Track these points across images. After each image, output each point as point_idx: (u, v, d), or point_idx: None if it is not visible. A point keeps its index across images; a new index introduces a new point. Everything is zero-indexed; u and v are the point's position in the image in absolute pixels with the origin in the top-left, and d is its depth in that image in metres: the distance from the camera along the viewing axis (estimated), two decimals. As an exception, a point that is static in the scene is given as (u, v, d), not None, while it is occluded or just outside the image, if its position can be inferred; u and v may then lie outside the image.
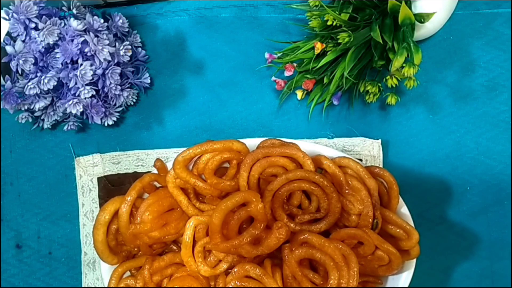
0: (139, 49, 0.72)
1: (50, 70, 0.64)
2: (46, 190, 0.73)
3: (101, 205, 0.71)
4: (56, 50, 0.64)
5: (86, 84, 0.64)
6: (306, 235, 0.59)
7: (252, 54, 0.72)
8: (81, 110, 0.66)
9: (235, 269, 0.59)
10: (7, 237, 0.73)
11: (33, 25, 0.63)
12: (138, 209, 0.62)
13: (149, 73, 0.72)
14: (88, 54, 0.63)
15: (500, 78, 0.70)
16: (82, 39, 0.63)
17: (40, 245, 0.72)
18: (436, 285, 0.69)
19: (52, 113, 0.69)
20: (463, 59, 0.71)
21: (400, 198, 0.63)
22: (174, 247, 0.66)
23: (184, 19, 0.73)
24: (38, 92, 0.64)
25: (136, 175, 0.71)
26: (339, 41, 0.62)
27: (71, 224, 0.72)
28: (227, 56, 0.72)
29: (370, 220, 0.61)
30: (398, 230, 0.61)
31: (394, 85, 0.65)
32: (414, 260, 0.62)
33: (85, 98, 0.65)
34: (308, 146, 0.65)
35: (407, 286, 0.62)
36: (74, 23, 0.62)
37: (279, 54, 0.69)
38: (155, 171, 0.65)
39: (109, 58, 0.64)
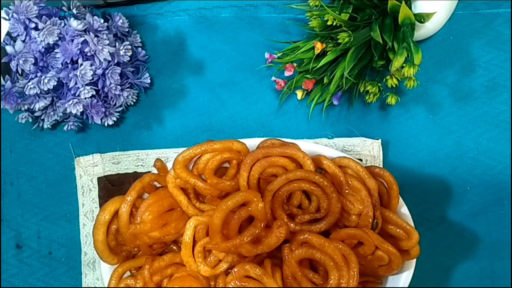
0: (139, 49, 0.72)
1: (50, 70, 0.64)
2: (46, 190, 0.73)
3: (101, 205, 0.71)
4: (56, 50, 0.64)
5: (86, 84, 0.64)
6: (306, 235, 0.59)
7: (252, 54, 0.72)
8: (81, 110, 0.66)
9: (235, 269, 0.59)
10: (7, 237, 0.73)
11: (33, 25, 0.63)
12: (138, 209, 0.62)
13: (149, 73, 0.72)
14: (88, 54, 0.63)
15: (500, 78, 0.70)
16: (82, 39, 0.63)
17: (40, 245, 0.72)
18: (436, 285, 0.69)
19: (52, 113, 0.69)
20: (463, 59, 0.71)
21: (400, 198, 0.63)
22: (174, 247, 0.66)
23: (184, 19, 0.73)
24: (38, 92, 0.64)
25: (136, 175, 0.71)
26: (339, 41, 0.62)
27: (71, 224, 0.72)
28: (227, 56, 0.72)
29: (370, 220, 0.61)
30: (398, 230, 0.61)
31: (394, 85, 0.65)
32: (414, 260, 0.62)
33: (85, 98, 0.65)
34: (308, 146, 0.65)
35: (407, 286, 0.62)
36: (74, 23, 0.62)
37: (279, 54, 0.69)
38: (155, 171, 0.65)
39: (109, 58, 0.64)
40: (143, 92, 0.73)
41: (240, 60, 0.72)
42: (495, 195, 0.70)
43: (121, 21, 0.69)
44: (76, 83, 0.64)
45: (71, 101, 0.65)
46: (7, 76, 0.64)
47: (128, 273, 0.65)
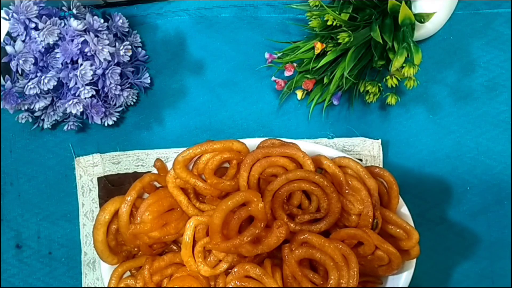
0: (139, 49, 0.72)
1: (50, 70, 0.64)
2: (46, 190, 0.73)
3: (101, 205, 0.71)
4: (56, 50, 0.64)
5: (86, 84, 0.64)
6: (306, 235, 0.59)
7: (252, 54, 0.72)
8: (81, 110, 0.66)
9: (235, 269, 0.59)
10: (7, 237, 0.73)
11: (33, 25, 0.63)
12: (138, 209, 0.62)
13: (149, 73, 0.72)
14: (88, 54, 0.63)
15: (500, 78, 0.70)
16: (82, 39, 0.63)
17: (40, 245, 0.72)
18: (436, 285, 0.69)
19: (52, 113, 0.69)
20: (463, 59, 0.71)
21: (400, 198, 0.63)
22: (174, 247, 0.66)
23: (184, 19, 0.73)
24: (38, 92, 0.64)
25: (136, 175, 0.71)
26: (339, 41, 0.62)
27: (71, 224, 0.72)
28: (227, 56, 0.72)
29: (370, 220, 0.61)
30: (398, 230, 0.61)
31: (394, 85, 0.65)
32: (414, 260, 0.62)
33: (85, 98, 0.65)
34: (308, 146, 0.65)
35: (407, 286, 0.62)
36: (74, 23, 0.62)
37: (279, 54, 0.69)
38: (155, 171, 0.65)
39: (109, 58, 0.64)
40: (143, 92, 0.73)
41: (240, 60, 0.72)
42: (495, 195, 0.70)
43: (121, 21, 0.69)
44: (76, 83, 0.64)
45: (71, 101, 0.65)
46: (7, 76, 0.64)
47: (128, 273, 0.65)
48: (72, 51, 0.63)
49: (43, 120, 0.69)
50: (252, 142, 0.64)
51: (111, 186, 0.72)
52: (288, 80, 0.69)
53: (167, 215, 0.63)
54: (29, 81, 0.64)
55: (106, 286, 0.65)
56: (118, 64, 0.67)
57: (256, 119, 0.72)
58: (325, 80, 0.67)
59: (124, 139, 0.73)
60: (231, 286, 0.59)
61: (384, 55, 0.65)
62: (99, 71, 0.65)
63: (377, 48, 0.65)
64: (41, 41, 0.62)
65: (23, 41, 0.63)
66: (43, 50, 0.63)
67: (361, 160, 0.70)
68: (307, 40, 0.68)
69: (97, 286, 0.71)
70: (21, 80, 0.65)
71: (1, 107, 0.65)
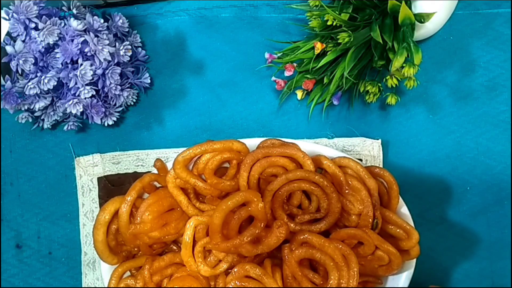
0: (139, 49, 0.72)
1: (50, 70, 0.64)
2: (46, 190, 0.73)
3: (101, 205, 0.71)
4: (56, 50, 0.64)
5: (86, 84, 0.64)
6: (306, 235, 0.59)
7: (252, 54, 0.72)
8: (81, 110, 0.66)
9: (235, 269, 0.59)
10: (7, 237, 0.73)
11: (33, 25, 0.63)
12: (138, 209, 0.62)
13: (149, 73, 0.72)
14: (88, 54, 0.63)
15: (500, 78, 0.70)
16: (82, 39, 0.63)
17: (40, 245, 0.72)
18: (436, 285, 0.69)
19: (52, 113, 0.69)
20: (463, 59, 0.71)
21: (400, 198, 0.63)
22: (174, 247, 0.66)
23: (184, 19, 0.73)
24: (38, 92, 0.64)
25: (136, 175, 0.71)
26: (339, 41, 0.62)
27: (71, 224, 0.72)
28: (227, 56, 0.73)
29: (370, 220, 0.61)
30: (398, 230, 0.61)
31: (394, 85, 0.65)
32: (414, 260, 0.62)
33: (85, 98, 0.65)
34: (308, 146, 0.65)
35: (407, 286, 0.62)
36: (74, 23, 0.62)
37: (279, 54, 0.69)
38: (155, 171, 0.65)
39: (109, 58, 0.64)
40: (143, 92, 0.73)
41: (240, 60, 0.72)
42: (495, 195, 0.70)
43: (121, 21, 0.69)
44: (76, 83, 0.64)
45: (71, 101, 0.65)
46: (7, 76, 0.64)
47: (128, 273, 0.65)
48: (72, 51, 0.63)
49: (43, 120, 0.69)
50: (252, 142, 0.64)
51: (111, 186, 0.72)
52: (288, 80, 0.69)
53: (167, 215, 0.63)
54: (29, 81, 0.64)
55: (106, 286, 0.65)
56: (118, 64, 0.67)
57: (256, 119, 0.72)
58: (325, 80, 0.67)
59: (124, 139, 0.73)
60: (231, 286, 0.59)
61: (384, 55, 0.65)
62: (99, 71, 0.65)
63: (377, 48, 0.65)
64: (41, 41, 0.62)
65: (23, 41, 0.63)
66: (43, 50, 0.63)
67: (361, 160, 0.70)
68: (307, 40, 0.68)
69: (97, 286, 0.71)
70: (21, 80, 0.65)
71: (1, 107, 0.65)
